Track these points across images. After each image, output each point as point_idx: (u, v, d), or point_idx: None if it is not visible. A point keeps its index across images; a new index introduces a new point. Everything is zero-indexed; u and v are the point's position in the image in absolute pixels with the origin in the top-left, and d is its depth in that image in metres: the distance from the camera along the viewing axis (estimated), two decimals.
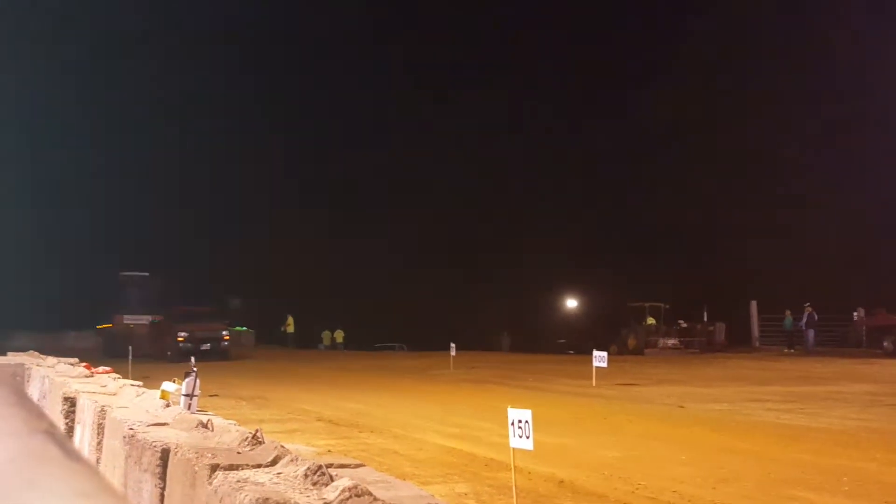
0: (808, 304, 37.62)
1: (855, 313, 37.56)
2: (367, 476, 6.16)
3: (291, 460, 6.01)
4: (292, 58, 70.36)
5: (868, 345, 35.38)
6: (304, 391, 21.02)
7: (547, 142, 57.53)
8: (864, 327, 36.71)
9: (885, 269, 42.04)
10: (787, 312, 38.67)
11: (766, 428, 13.51)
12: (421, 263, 54.96)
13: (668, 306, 41.18)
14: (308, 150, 66.15)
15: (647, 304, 40.99)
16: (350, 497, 5.11)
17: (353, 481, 5.23)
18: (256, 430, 6.97)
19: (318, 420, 14.81)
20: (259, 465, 6.02)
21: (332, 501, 5.13)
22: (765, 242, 48.49)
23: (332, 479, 5.48)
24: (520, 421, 7.72)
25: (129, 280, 44.27)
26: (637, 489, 8.72)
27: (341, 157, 65.59)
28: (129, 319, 41.07)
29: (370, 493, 5.07)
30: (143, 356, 31.23)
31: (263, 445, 6.66)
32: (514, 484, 7.99)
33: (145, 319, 39.51)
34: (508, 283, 49.88)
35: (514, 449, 7.84)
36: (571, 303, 47.52)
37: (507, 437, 7.88)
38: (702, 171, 49.57)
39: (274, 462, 6.07)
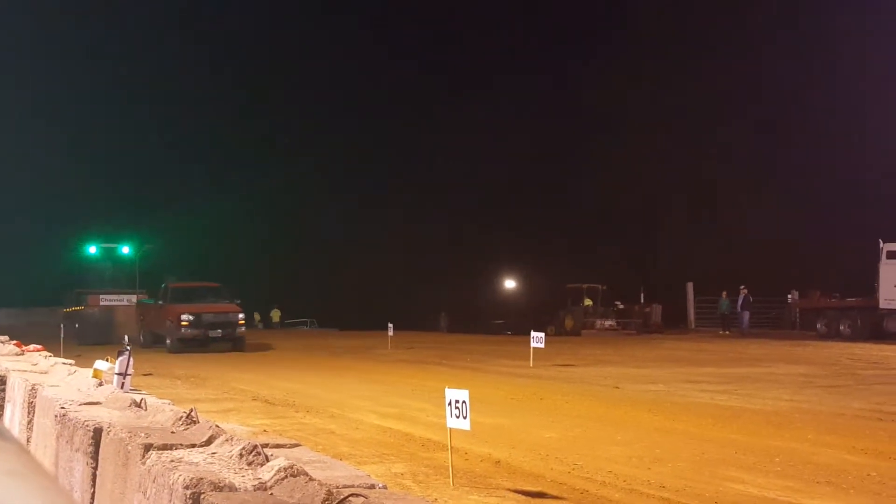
0: (743, 286, 38.21)
1: (789, 296, 38.24)
2: (303, 456, 6.10)
3: (226, 440, 5.94)
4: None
5: (802, 327, 36.04)
6: (239, 371, 20.86)
7: (486, 123, 57.52)
8: (798, 309, 37.39)
9: (819, 253, 42.85)
10: (724, 294, 39.24)
11: (700, 409, 13.69)
12: (361, 243, 54.79)
13: (605, 288, 41.53)
14: (228, 125, 64.16)
15: (584, 286, 41.30)
16: (286, 477, 5.05)
17: (289, 461, 5.17)
18: (191, 410, 6.87)
19: (254, 400, 14.71)
20: (193, 445, 5.93)
21: (268, 481, 5.07)
22: (701, 225, 49.13)
23: (267, 458, 5.42)
24: (457, 401, 7.73)
25: (104, 253, 38.51)
26: (573, 469, 8.78)
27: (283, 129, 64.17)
28: (107, 300, 34.56)
29: (306, 473, 5.02)
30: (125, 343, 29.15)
31: (198, 425, 6.57)
32: (450, 464, 8.00)
33: (125, 299, 34.01)
34: (447, 263, 49.95)
35: (451, 429, 7.84)
36: (510, 283, 47.72)
37: (444, 417, 7.89)
38: (640, 155, 50.01)
39: (209, 442, 5.99)
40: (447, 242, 51.96)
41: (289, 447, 6.58)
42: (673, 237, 48.95)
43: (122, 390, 9.27)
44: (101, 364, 10.48)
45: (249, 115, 63.93)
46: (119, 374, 9.71)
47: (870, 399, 14.78)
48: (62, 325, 29.47)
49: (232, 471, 5.22)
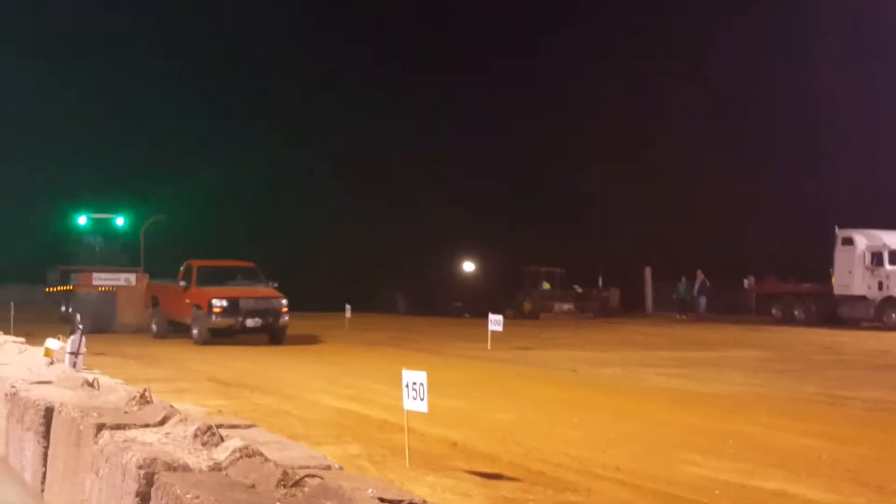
0: (700, 271, 38.57)
1: (745, 281, 38.68)
2: (259, 436, 6.05)
3: (181, 420, 5.87)
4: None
5: (758, 312, 36.47)
6: (194, 350, 20.70)
7: (444, 103, 57.32)
8: (754, 295, 37.81)
9: (776, 238, 43.27)
10: (682, 279, 39.59)
11: (656, 392, 13.80)
12: (318, 223, 54.39)
13: (563, 271, 41.72)
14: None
15: (543, 269, 41.46)
16: (241, 458, 5.01)
17: (245, 442, 5.13)
18: (144, 390, 6.79)
19: (209, 380, 14.60)
20: (147, 425, 5.86)
21: (223, 462, 5.02)
22: (659, 210, 49.43)
23: (222, 439, 5.37)
24: (414, 383, 7.71)
25: (95, 225, 33.56)
26: (529, 451, 8.80)
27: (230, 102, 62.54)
28: (101, 279, 29.05)
29: (261, 454, 4.98)
30: (128, 331, 25.56)
31: (152, 405, 6.49)
32: (406, 445, 7.98)
33: (122, 279, 29.12)
34: (405, 244, 49.77)
35: (407, 411, 7.83)
36: (468, 266, 47.77)
37: (401, 399, 7.87)
38: (599, 138, 50.15)
39: (163, 422, 5.92)
40: (405, 224, 51.75)
41: (244, 428, 6.53)
42: (631, 222, 49.18)
43: (74, 370, 9.14)
44: (52, 343, 10.33)
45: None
46: (71, 353, 9.57)
47: (823, 383, 14.98)
48: (66, 309, 27.25)
49: (186, 451, 5.16)
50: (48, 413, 6.79)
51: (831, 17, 46.43)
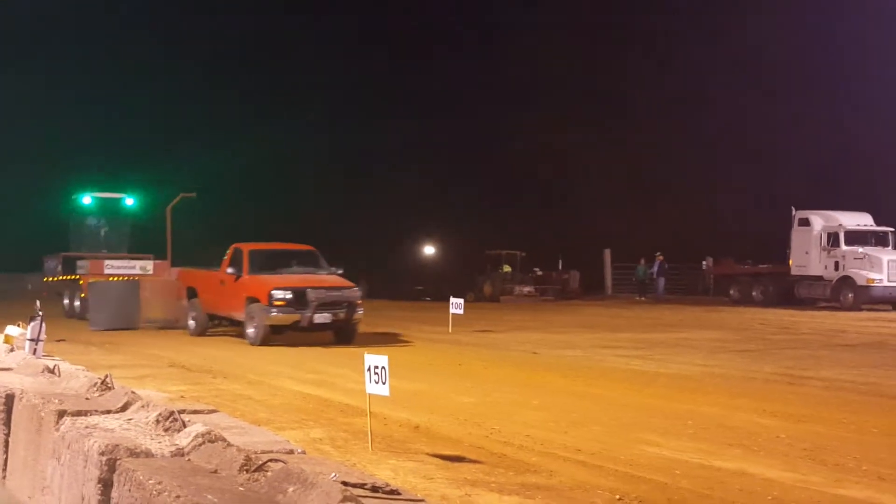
0: (658, 253, 38.88)
1: (704, 262, 39.03)
2: (221, 422, 6.05)
3: (143, 406, 5.86)
4: None
5: (715, 293, 36.81)
6: (155, 336, 20.53)
7: (404, 87, 57.17)
8: (712, 276, 38.17)
9: (733, 220, 43.71)
10: (641, 261, 39.88)
11: (616, 374, 13.92)
12: (285, 204, 53.96)
13: (523, 254, 41.86)
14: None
15: (503, 252, 41.56)
16: (203, 443, 5.01)
17: (207, 427, 5.13)
18: (106, 376, 6.76)
19: (171, 366, 14.53)
20: (109, 412, 5.84)
21: (185, 447, 5.02)
22: (618, 192, 49.72)
23: (184, 424, 5.36)
24: (376, 367, 7.73)
25: (100, 206, 29.23)
26: (491, 433, 8.86)
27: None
28: (114, 268, 25.74)
29: (224, 439, 4.98)
30: (154, 327, 22.11)
31: (113, 391, 6.47)
32: (369, 429, 8.00)
33: (137, 267, 25.94)
34: (365, 228, 49.63)
35: (370, 395, 7.85)
36: (429, 249, 47.76)
37: (363, 383, 7.89)
38: (558, 119, 50.31)
39: (124, 408, 5.90)
40: (366, 207, 51.64)
41: (206, 413, 6.53)
42: (591, 204, 49.44)
43: (34, 356, 9.07)
44: (12, 329, 10.24)
45: None
46: (31, 339, 9.49)
47: (780, 363, 15.18)
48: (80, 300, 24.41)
49: (148, 437, 5.16)
50: (9, 400, 6.74)
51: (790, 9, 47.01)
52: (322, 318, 18.15)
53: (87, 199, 28.95)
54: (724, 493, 6.75)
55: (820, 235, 31.68)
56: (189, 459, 4.88)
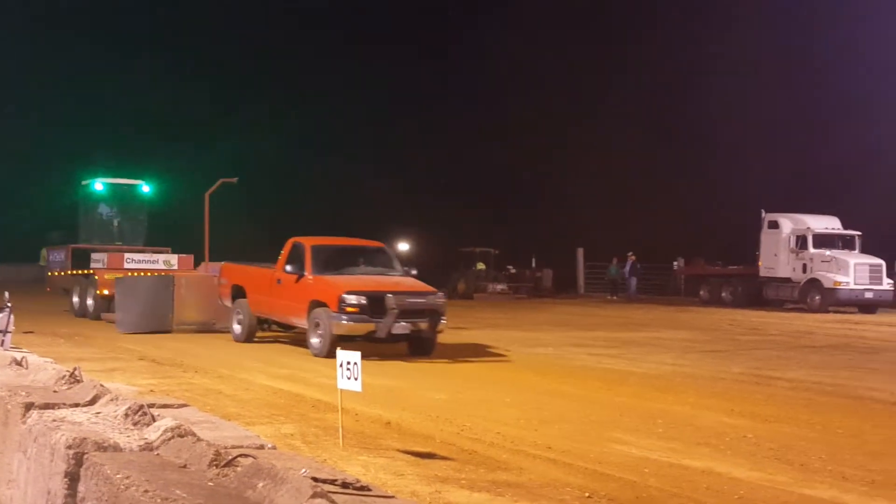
0: (631, 253, 39.07)
1: (675, 263, 39.27)
2: (191, 416, 6.02)
3: (111, 399, 5.81)
4: None
5: (686, 293, 37.07)
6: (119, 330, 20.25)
7: (377, 83, 57.12)
8: (683, 276, 38.42)
9: (704, 221, 43.99)
10: (614, 261, 40.05)
11: (587, 372, 13.97)
12: (248, 200, 53.57)
13: (497, 252, 41.93)
14: None
15: (477, 250, 41.61)
16: (173, 437, 4.97)
17: (177, 421, 5.09)
18: (74, 369, 6.70)
19: (141, 359, 14.44)
20: (77, 405, 5.79)
21: (154, 441, 4.99)
22: (593, 192, 49.92)
23: (154, 419, 5.33)
24: (349, 363, 7.72)
25: (113, 193, 26.48)
26: (462, 430, 8.87)
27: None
28: (135, 262, 23.25)
29: (194, 434, 4.95)
30: (189, 330, 19.45)
31: (82, 384, 6.41)
32: (340, 425, 7.99)
33: (160, 261, 23.39)
34: (341, 224, 49.54)
35: (342, 390, 7.84)
36: (403, 246, 47.72)
37: (335, 378, 7.87)
38: (533, 118, 50.46)
39: (93, 401, 5.85)
40: (338, 203, 51.55)
41: (176, 407, 6.48)
42: (565, 204, 49.61)
43: (1, 348, 8.99)
44: None
45: None
46: None
47: (748, 363, 15.30)
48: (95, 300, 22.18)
49: (117, 431, 5.12)
50: None
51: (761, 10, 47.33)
52: (400, 327, 15.18)
53: (98, 186, 26.07)
54: (691, 491, 6.79)
55: (789, 238, 31.96)
56: (158, 454, 4.85)
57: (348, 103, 56.69)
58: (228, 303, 18.39)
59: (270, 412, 9.60)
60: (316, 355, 15.14)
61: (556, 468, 7.43)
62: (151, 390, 10.15)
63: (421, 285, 16.51)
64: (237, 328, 17.83)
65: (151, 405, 5.77)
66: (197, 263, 23.64)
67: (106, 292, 22.09)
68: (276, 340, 17.90)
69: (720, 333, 21.89)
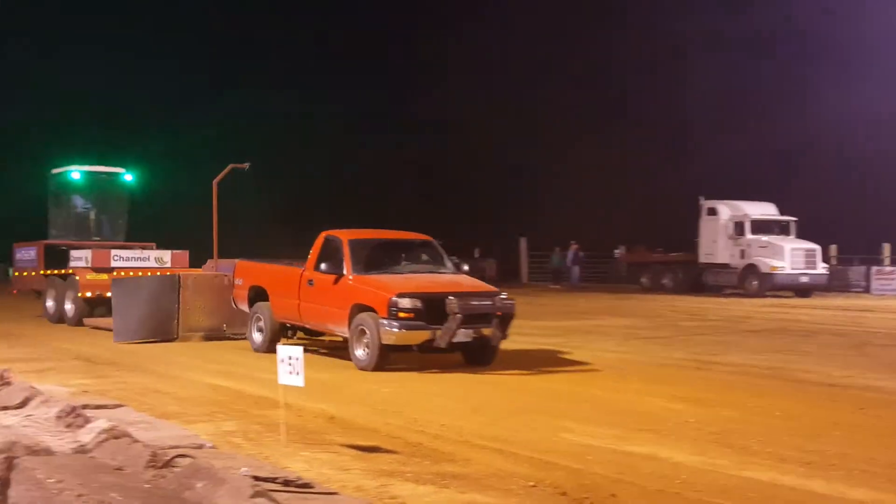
0: (573, 242, 39.33)
1: (616, 251, 39.61)
2: (127, 416, 5.91)
3: (44, 402, 5.69)
4: None
5: (628, 281, 37.38)
6: (59, 329, 19.91)
7: (310, 73, 56.73)
8: (625, 264, 38.76)
9: (647, 209, 44.45)
10: (556, 249, 40.29)
11: (531, 361, 13.96)
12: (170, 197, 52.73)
13: (440, 243, 41.91)
14: None
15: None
16: (107, 439, 4.87)
17: (112, 422, 5.00)
18: (3, 370, 6.54)
19: (76, 359, 14.15)
20: (6, 408, 5.65)
21: (89, 444, 4.88)
22: (534, 181, 50.18)
23: (88, 420, 5.22)
24: (290, 358, 7.62)
25: (90, 183, 23.49)
26: (408, 423, 8.81)
27: None
28: (122, 259, 20.87)
29: (129, 435, 4.85)
30: (196, 338, 16.93)
31: (12, 386, 6.26)
32: (282, 421, 7.89)
33: (152, 258, 20.93)
34: (266, 215, 48.96)
35: (284, 386, 7.74)
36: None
37: (277, 374, 7.77)
38: (473, 107, 50.57)
39: (23, 404, 5.72)
40: (271, 194, 51.01)
41: (111, 408, 6.38)
42: (507, 193, 49.80)
43: None
44: None
45: None
46: None
47: (689, 349, 15.47)
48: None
49: (49, 434, 5.00)
50: None
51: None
52: (464, 335, 12.93)
53: (75, 175, 23.20)
54: (635, 477, 6.82)
55: (727, 224, 32.40)
56: (92, 456, 4.75)
57: (284, 91, 55.84)
58: (245, 307, 15.96)
59: (210, 410, 9.45)
60: (362, 369, 12.95)
61: (501, 458, 7.41)
62: (86, 391, 9.93)
63: (482, 285, 14.51)
64: (257, 336, 15.42)
65: (85, 406, 5.66)
66: (196, 260, 21.69)
67: (89, 294, 20.11)
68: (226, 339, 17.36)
69: (661, 320, 22.10)
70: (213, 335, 16.99)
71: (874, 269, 34.54)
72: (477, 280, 14.94)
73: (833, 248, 35.71)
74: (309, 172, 51.11)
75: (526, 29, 53.08)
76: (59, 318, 20.85)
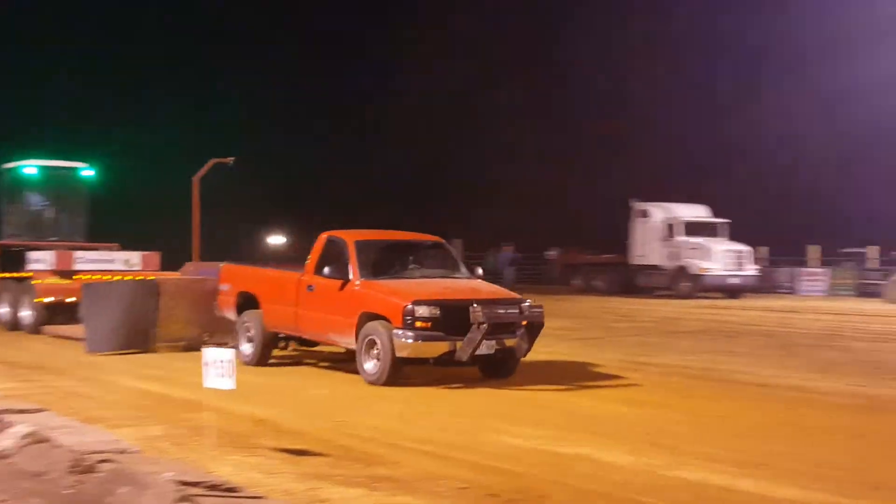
0: (507, 243, 39.46)
1: (549, 253, 39.83)
2: (50, 421, 5.75)
3: None
4: None
5: (561, 282, 37.57)
6: (12, 337, 18.84)
7: (248, 75, 56.14)
8: (558, 265, 38.98)
9: (580, 210, 44.78)
10: (491, 251, 40.39)
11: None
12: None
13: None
14: None
15: None
16: (29, 444, 4.74)
17: (33, 427, 4.85)
18: None
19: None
20: None
21: (9, 449, 4.74)
22: (471, 182, 50.33)
23: (8, 425, 5.06)
24: (219, 360, 7.50)
25: (47, 178, 21.77)
26: (338, 426, 8.73)
27: None
28: (85, 261, 19.06)
29: (51, 440, 4.71)
30: (176, 348, 15.15)
31: None
32: (210, 424, 7.76)
33: (118, 260, 19.26)
34: (212, 215, 48.50)
35: (214, 389, 7.61)
36: (277, 239, 46.97)
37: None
38: (413, 112, 50.54)
39: None
40: (210, 191, 50.43)
41: (33, 412, 6.20)
42: (442, 194, 49.85)
43: None
44: None
45: None
46: None
47: (622, 350, 15.59)
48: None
49: None
50: None
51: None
52: (487, 346, 11.65)
53: (30, 170, 21.48)
54: (568, 477, 6.83)
55: (658, 227, 32.76)
56: (13, 462, 4.60)
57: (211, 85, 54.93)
58: (232, 315, 14.43)
59: (137, 414, 9.27)
60: (371, 383, 11.63)
61: (433, 461, 7.37)
62: (7, 395, 9.66)
63: (503, 291, 13.42)
64: (247, 347, 13.75)
65: (6, 411, 5.49)
66: (170, 263, 20.20)
67: (51, 300, 18.33)
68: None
69: (594, 321, 22.25)
70: (194, 345, 14.18)
71: (801, 270, 35.23)
72: (495, 286, 13.91)
73: (763, 250, 36.33)
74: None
75: (463, 31, 53.20)
76: (15, 325, 19.06)
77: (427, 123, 51.01)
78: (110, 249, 20.36)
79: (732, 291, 31.50)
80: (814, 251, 36.79)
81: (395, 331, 11.46)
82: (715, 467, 7.21)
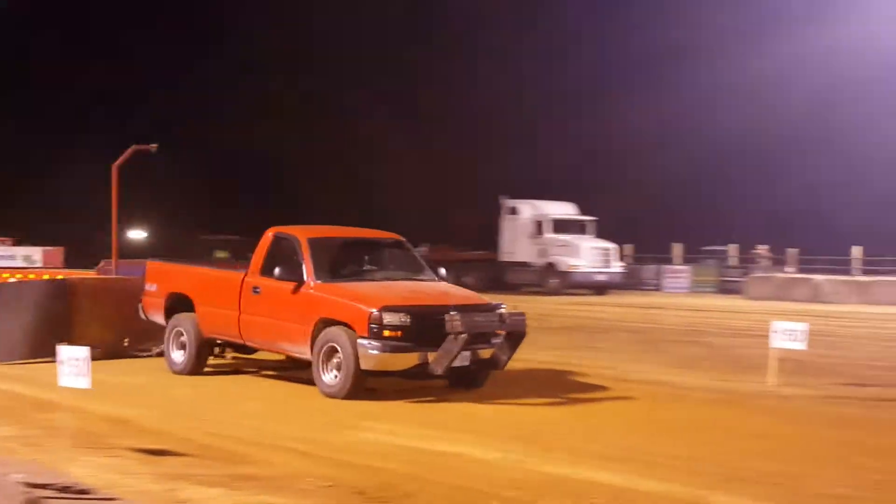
0: None
1: (420, 249, 39.90)
2: None
3: None
4: None
5: None
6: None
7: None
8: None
9: (450, 207, 45.04)
10: None
11: None
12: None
13: (240, 239, 41.18)
14: None
15: (218, 238, 40.69)
16: None
17: None
18: None
19: None
20: None
21: None
22: (341, 179, 50.11)
23: None
24: (74, 359, 7.24)
25: None
26: (201, 425, 8.53)
27: None
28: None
29: None
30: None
31: None
32: (65, 424, 7.47)
33: (18, 256, 17.75)
34: (68, 210, 46.90)
35: (71, 388, 7.34)
36: (138, 234, 45.66)
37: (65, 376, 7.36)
38: (271, 102, 50.06)
39: None
40: (71, 191, 48.84)
41: None
42: (311, 190, 49.44)
43: None
44: None
45: None
46: None
47: None
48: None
49: None
50: None
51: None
52: (462, 358, 10.42)
53: None
54: (436, 474, 6.82)
55: (527, 224, 33.18)
56: None
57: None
58: (160, 318, 12.84)
59: None
60: (330, 396, 10.39)
61: (299, 459, 7.26)
62: None
63: (475, 296, 12.27)
64: (178, 355, 12.29)
65: None
66: (73, 258, 18.57)
67: None
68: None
69: None
70: (113, 352, 13.36)
71: (665, 267, 36.23)
72: (465, 289, 12.93)
73: (629, 248, 37.20)
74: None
75: (332, 32, 52.90)
76: None
77: (297, 119, 50.59)
78: (4, 244, 18.79)
79: (599, 288, 32.17)
80: (677, 249, 37.89)
81: (360, 340, 10.25)
82: (580, 461, 7.31)
